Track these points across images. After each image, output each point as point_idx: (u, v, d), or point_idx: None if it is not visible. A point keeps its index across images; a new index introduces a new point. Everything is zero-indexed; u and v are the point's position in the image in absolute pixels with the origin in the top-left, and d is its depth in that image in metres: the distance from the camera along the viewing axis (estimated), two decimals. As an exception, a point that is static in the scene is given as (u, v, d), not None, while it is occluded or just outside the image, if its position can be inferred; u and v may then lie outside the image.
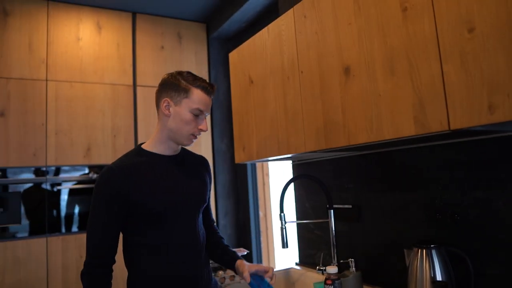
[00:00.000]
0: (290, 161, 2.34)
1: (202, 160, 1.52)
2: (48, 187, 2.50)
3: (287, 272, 2.14)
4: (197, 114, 1.31)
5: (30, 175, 2.46)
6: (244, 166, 3.16)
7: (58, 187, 2.53)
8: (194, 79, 1.31)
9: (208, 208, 1.54)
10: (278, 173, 3.12)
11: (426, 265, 1.35)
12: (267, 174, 3.18)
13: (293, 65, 1.65)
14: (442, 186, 1.46)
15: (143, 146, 1.37)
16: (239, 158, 2.09)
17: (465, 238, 1.39)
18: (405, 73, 1.15)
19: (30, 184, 2.46)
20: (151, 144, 1.37)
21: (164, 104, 1.31)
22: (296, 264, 2.27)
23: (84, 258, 2.51)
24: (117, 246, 1.28)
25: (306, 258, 2.22)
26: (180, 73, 1.33)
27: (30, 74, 2.54)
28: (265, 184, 3.19)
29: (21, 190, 2.43)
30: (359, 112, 1.32)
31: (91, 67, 2.73)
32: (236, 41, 3.28)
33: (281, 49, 1.73)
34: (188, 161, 1.44)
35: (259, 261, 3.02)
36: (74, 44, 2.71)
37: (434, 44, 1.07)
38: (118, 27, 2.88)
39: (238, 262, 1.39)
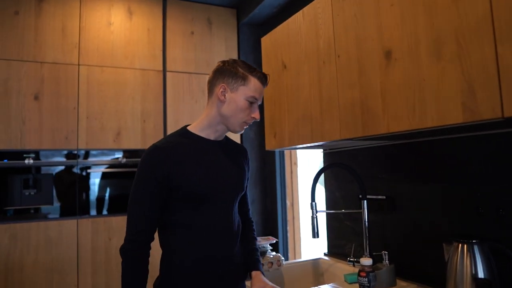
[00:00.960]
0: (321, 150, 2.29)
1: (242, 149, 1.52)
2: (79, 171, 2.54)
3: (316, 262, 2.10)
4: (252, 102, 1.32)
5: (61, 158, 2.51)
6: (272, 154, 3.12)
7: (88, 171, 2.57)
8: (250, 68, 1.33)
9: (245, 196, 1.55)
10: (306, 162, 3.06)
11: (467, 261, 1.29)
12: (295, 163, 3.13)
13: (330, 49, 1.59)
14: (486, 178, 1.38)
15: (189, 128, 1.38)
16: (270, 145, 2.06)
17: (510, 234, 1.31)
18: (454, 56, 1.08)
19: (62, 167, 2.50)
20: (198, 127, 1.37)
21: (220, 90, 1.31)
22: (325, 254, 2.23)
23: (112, 241, 2.55)
24: (156, 224, 1.29)
25: (335, 249, 2.17)
26: (235, 61, 1.34)
27: (63, 59, 2.57)
28: (293, 173, 3.14)
29: (53, 172, 2.48)
30: (400, 98, 1.25)
31: (122, 52, 2.74)
32: (267, 27, 3.21)
33: (317, 33, 1.67)
34: (229, 149, 1.43)
35: (285, 250, 3.00)
36: (106, 28, 2.71)
37: (488, 24, 0.99)
38: (149, 12, 2.87)
39: (254, 274, 1.39)
